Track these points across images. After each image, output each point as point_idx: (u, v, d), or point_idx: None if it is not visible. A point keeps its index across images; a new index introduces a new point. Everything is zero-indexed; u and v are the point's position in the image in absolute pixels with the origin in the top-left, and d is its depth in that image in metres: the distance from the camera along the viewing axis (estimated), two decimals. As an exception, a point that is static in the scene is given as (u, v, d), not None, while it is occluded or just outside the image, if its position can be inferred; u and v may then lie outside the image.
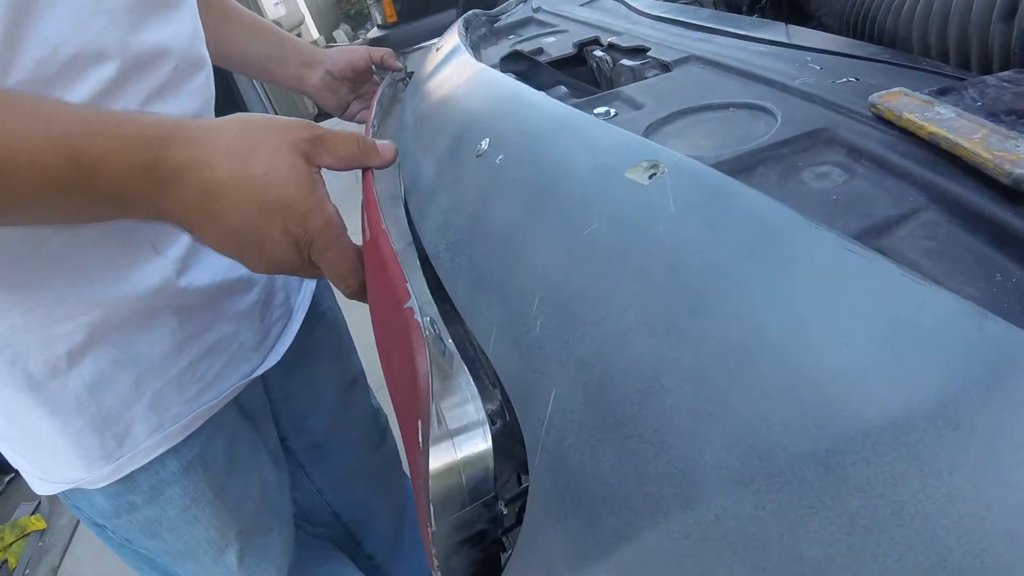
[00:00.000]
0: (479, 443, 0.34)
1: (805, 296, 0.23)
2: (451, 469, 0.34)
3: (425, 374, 0.31)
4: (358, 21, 7.92)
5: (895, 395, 0.19)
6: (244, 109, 6.63)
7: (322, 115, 6.36)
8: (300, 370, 0.85)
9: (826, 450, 0.19)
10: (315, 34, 6.51)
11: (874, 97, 0.40)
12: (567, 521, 0.27)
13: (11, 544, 2.46)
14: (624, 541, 0.24)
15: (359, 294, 0.52)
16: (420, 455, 0.32)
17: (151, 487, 0.66)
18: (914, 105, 0.38)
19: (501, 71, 0.62)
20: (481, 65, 0.60)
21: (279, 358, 0.74)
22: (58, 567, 2.31)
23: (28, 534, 2.50)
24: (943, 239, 0.31)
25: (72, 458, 0.62)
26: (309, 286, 0.83)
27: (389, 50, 0.98)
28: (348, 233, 0.51)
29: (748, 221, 0.26)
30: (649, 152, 0.31)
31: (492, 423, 0.36)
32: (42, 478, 0.66)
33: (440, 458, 0.33)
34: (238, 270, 0.67)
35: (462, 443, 0.34)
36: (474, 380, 0.36)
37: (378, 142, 0.53)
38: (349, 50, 0.97)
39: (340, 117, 0.99)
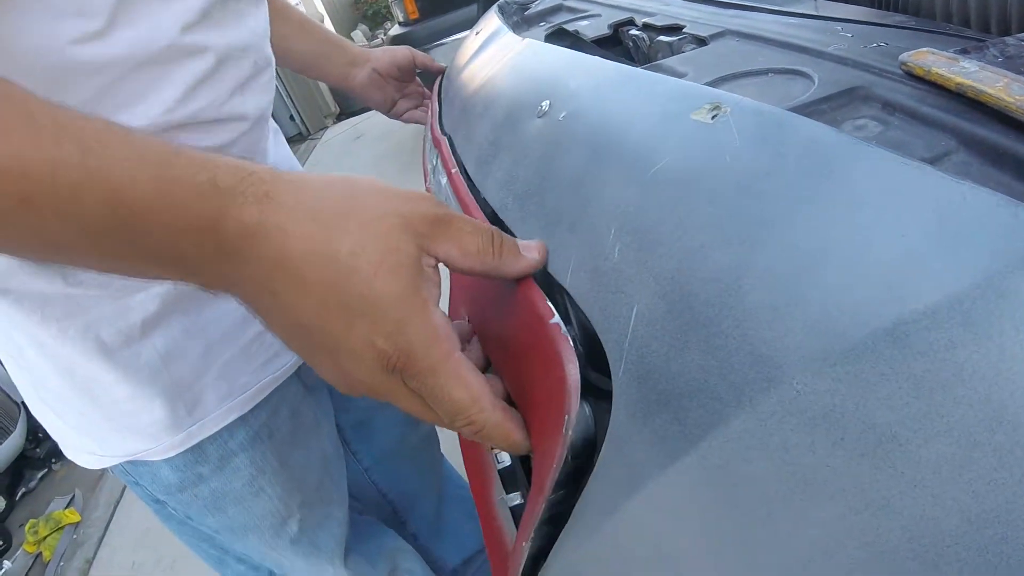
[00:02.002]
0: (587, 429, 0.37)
1: (862, 201, 0.26)
2: (562, 458, 0.36)
3: (576, 378, 0.34)
4: (375, 21, 7.97)
5: (947, 273, 0.23)
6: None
7: (344, 114, 6.41)
8: None
9: (892, 322, 0.23)
10: (331, 35, 6.56)
11: (904, 56, 0.43)
12: (653, 422, 0.30)
13: (45, 537, 2.50)
14: (711, 430, 0.27)
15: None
16: (561, 442, 0.35)
17: (220, 457, 0.68)
18: (941, 62, 0.41)
19: (546, 47, 0.65)
20: (528, 39, 0.64)
21: None
22: (92, 559, 2.36)
23: (63, 527, 2.54)
24: (974, 176, 0.34)
25: (142, 426, 0.63)
26: None
27: (429, 56, 1.02)
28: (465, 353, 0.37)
29: (807, 144, 0.29)
30: (711, 96, 0.35)
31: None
32: (100, 453, 0.67)
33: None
34: None
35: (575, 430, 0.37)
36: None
37: (521, 242, 0.39)
38: (392, 49, 1.01)
39: (386, 115, 1.04)
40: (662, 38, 0.70)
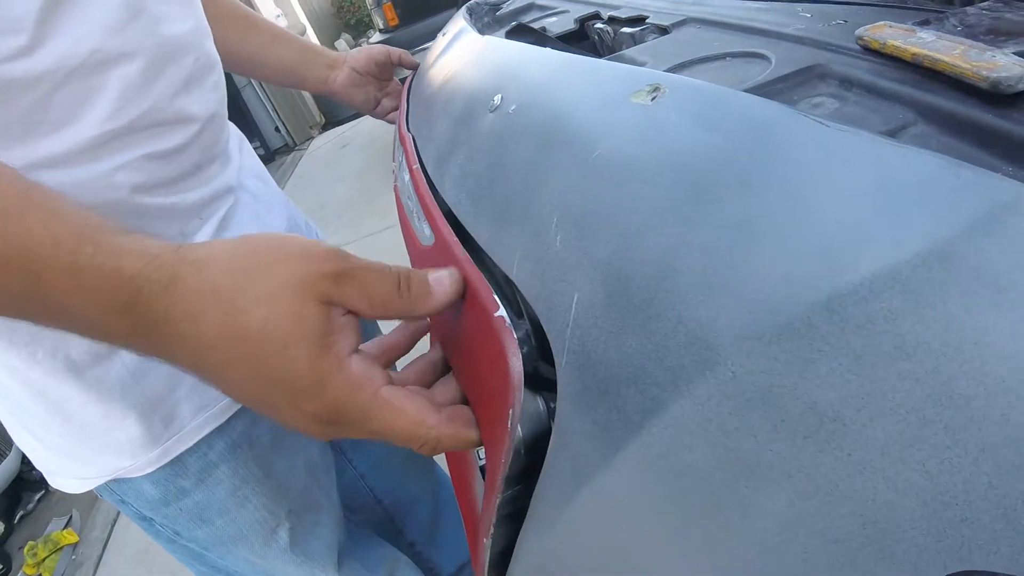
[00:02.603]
0: (538, 423, 0.36)
1: (798, 170, 0.25)
2: (516, 452, 0.36)
3: (519, 372, 0.33)
4: (358, 30, 7.99)
5: (886, 241, 0.22)
6: (248, 117, 6.61)
7: (330, 124, 6.43)
8: None
9: (828, 296, 0.22)
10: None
11: (861, 31, 0.42)
12: (595, 412, 0.29)
13: (44, 559, 2.49)
14: (650, 416, 0.26)
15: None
16: (507, 436, 0.34)
17: (200, 469, 0.66)
18: (897, 34, 0.40)
19: (507, 42, 0.64)
20: (488, 37, 0.63)
21: None
22: (91, 580, 2.35)
23: (61, 548, 2.53)
24: (933, 147, 0.33)
25: (119, 444, 0.62)
26: None
27: (405, 51, 1.02)
28: (395, 378, 0.38)
29: (742, 118, 0.28)
30: (651, 78, 0.34)
31: (522, 349, 0.39)
32: (83, 475, 0.65)
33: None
34: None
35: (525, 424, 0.36)
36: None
37: (431, 277, 0.39)
38: (369, 48, 1.00)
39: (371, 114, 1.03)
40: (625, 29, 0.69)
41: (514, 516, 0.40)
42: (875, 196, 0.22)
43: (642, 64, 0.53)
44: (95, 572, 2.39)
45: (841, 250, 0.22)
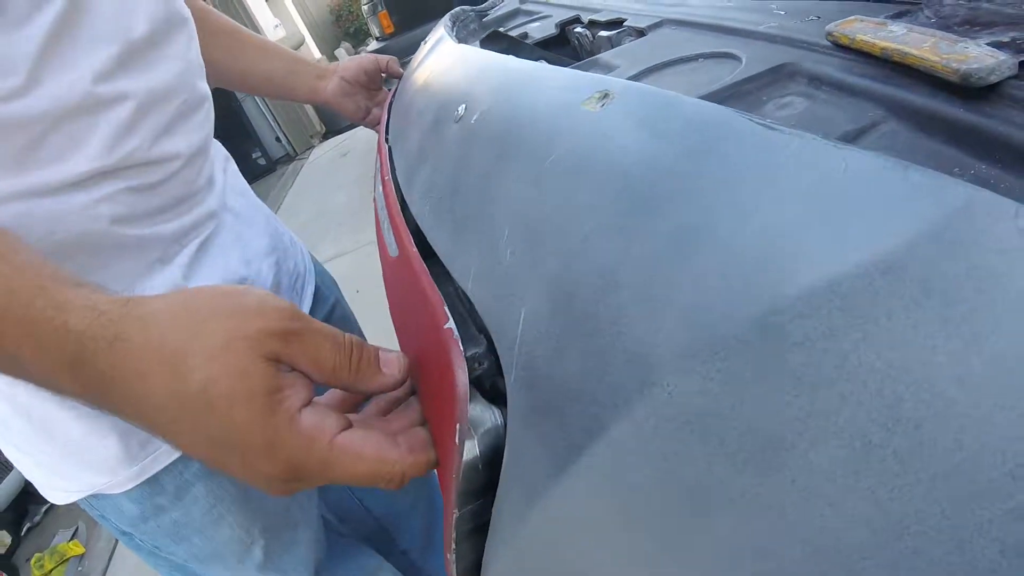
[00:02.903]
0: (496, 438, 0.36)
1: (739, 177, 0.23)
2: (474, 467, 0.35)
3: (464, 385, 0.32)
4: (358, 38, 8.01)
5: (825, 252, 0.20)
6: (249, 127, 6.65)
7: (331, 132, 6.44)
8: None
9: (763, 311, 0.20)
10: (317, 54, 6.61)
11: (831, 26, 0.41)
12: (542, 430, 0.27)
13: (51, 571, 2.51)
14: (592, 437, 0.25)
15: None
16: (455, 451, 0.33)
17: (176, 487, 0.67)
18: (868, 28, 0.38)
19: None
20: (461, 46, 0.62)
21: None
22: (97, 591, 2.36)
23: (67, 560, 2.55)
24: (902, 146, 0.32)
25: (99, 461, 0.63)
26: (308, 287, 0.83)
27: (393, 58, 1.01)
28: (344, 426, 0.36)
29: (686, 124, 0.27)
30: (601, 84, 0.32)
31: (479, 364, 0.38)
32: (66, 489, 0.66)
33: (465, 455, 0.34)
34: (241, 272, 0.69)
35: (484, 444, 0.35)
36: (460, 329, 0.37)
37: (383, 355, 0.38)
38: (358, 57, 1.00)
39: (363, 124, 1.03)
40: (603, 33, 0.68)
41: (481, 529, 0.38)
42: (816, 203, 0.21)
43: (615, 67, 0.52)
44: (102, 584, 2.39)
45: (777, 262, 0.21)
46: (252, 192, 0.83)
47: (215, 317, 0.34)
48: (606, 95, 0.31)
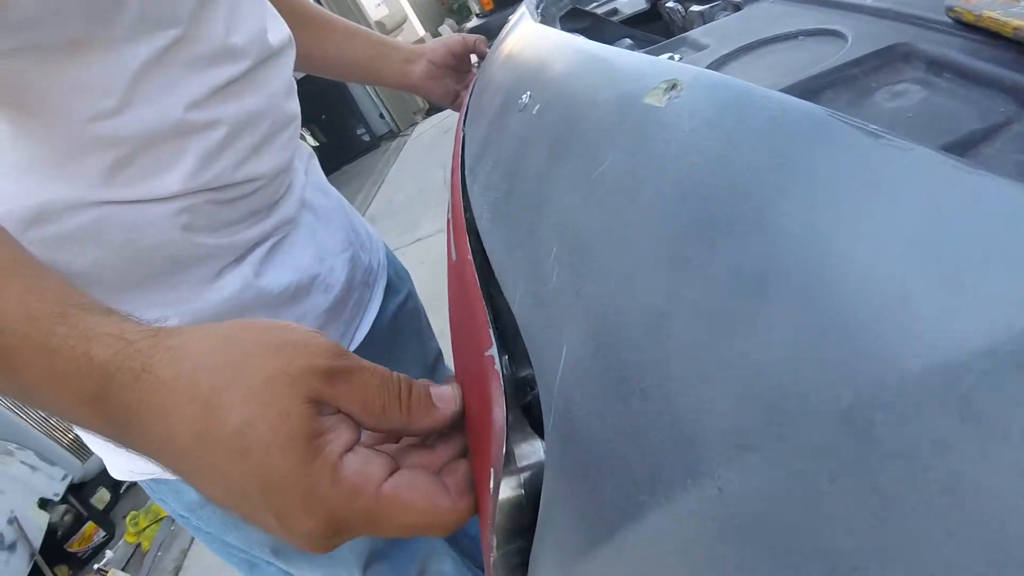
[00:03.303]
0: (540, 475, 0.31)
1: (827, 205, 0.18)
2: (517, 505, 0.31)
3: (501, 428, 0.28)
4: (462, 15, 8.02)
5: (943, 324, 0.14)
6: (353, 104, 6.80)
7: (434, 109, 6.51)
8: (385, 355, 0.85)
9: (849, 403, 0.15)
10: (421, 31, 6.64)
11: (952, 1, 0.34)
12: (576, 494, 0.23)
13: (145, 528, 2.70)
14: (627, 521, 0.20)
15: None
16: (490, 498, 0.29)
17: None
18: (998, 3, 0.31)
19: (561, 30, 0.58)
20: (536, 24, 0.57)
21: (357, 345, 0.74)
22: (188, 549, 2.50)
23: (161, 519, 2.70)
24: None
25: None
26: (381, 281, 0.82)
27: (482, 37, 0.97)
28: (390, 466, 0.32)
29: (770, 128, 0.21)
30: (670, 72, 0.27)
31: (532, 388, 0.34)
32: (129, 469, 0.67)
33: (507, 492, 0.31)
34: (315, 269, 0.68)
35: (528, 480, 0.31)
36: (514, 345, 0.34)
37: (435, 390, 0.35)
38: (445, 38, 0.96)
39: (452, 108, 1.00)
40: (695, 8, 0.61)
41: (522, 566, 0.35)
42: (937, 247, 0.16)
43: (705, 47, 0.46)
44: (191, 543, 2.53)
45: (876, 329, 0.15)
46: (332, 188, 0.82)
47: (254, 353, 0.31)
48: (674, 86, 0.26)
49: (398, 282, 0.87)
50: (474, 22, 4.02)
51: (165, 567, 2.48)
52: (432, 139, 5.72)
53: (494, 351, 0.30)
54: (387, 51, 0.94)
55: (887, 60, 0.35)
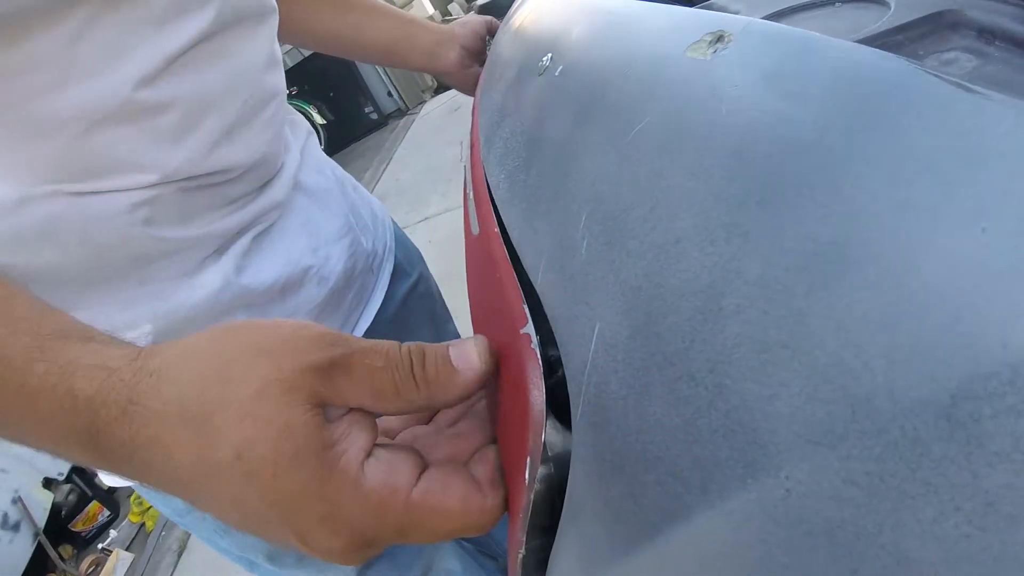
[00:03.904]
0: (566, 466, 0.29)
1: (914, 167, 0.15)
2: (549, 498, 0.28)
3: (540, 413, 0.25)
4: (472, -7, 7.91)
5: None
6: (361, 82, 6.73)
7: (442, 87, 6.45)
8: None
9: (952, 396, 0.13)
10: (430, 9, 6.56)
11: (1002, -34, 0.31)
12: (608, 490, 0.21)
13: (149, 508, 2.71)
14: (670, 521, 0.18)
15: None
16: (524, 490, 0.27)
17: None
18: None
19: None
20: (557, -14, 0.54)
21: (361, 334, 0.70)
22: (190, 530, 2.55)
23: (164, 498, 2.74)
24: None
25: None
26: (387, 264, 0.77)
27: (497, 20, 0.93)
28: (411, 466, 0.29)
29: (837, 79, 0.18)
30: (714, 23, 0.24)
31: (556, 371, 0.31)
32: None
33: (539, 484, 0.28)
34: (307, 261, 0.62)
35: (551, 473, 0.28)
36: (539, 325, 0.31)
37: (453, 353, 0.30)
38: (468, 21, 0.90)
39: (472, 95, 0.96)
40: (725, -27, 0.58)
41: (544, 564, 0.33)
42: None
43: (734, 14, 0.44)
44: (195, 521, 2.56)
45: (981, 313, 0.13)
46: (333, 166, 0.76)
47: (241, 361, 0.27)
48: (720, 38, 0.23)
49: (407, 265, 0.82)
50: (484, 0, 3.97)
51: (169, 547, 2.49)
52: (440, 117, 5.67)
53: (530, 329, 0.27)
54: (415, 31, 0.86)
55: (935, 27, 0.32)
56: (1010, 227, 0.13)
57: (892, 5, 0.35)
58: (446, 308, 0.93)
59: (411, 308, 0.80)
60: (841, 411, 0.14)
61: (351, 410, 0.28)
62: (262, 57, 0.58)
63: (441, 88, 6.52)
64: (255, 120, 0.56)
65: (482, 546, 0.98)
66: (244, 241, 0.57)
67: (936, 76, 0.17)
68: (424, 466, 0.29)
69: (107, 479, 0.67)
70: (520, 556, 0.30)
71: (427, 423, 0.35)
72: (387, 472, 0.28)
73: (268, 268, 0.59)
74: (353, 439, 0.28)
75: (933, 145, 0.16)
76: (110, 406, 0.28)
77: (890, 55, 0.19)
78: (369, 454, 0.28)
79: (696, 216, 0.20)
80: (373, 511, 0.27)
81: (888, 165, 0.16)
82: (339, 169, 0.78)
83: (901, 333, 0.14)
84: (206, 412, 0.26)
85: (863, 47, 0.20)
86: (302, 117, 0.74)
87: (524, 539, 0.29)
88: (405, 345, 0.29)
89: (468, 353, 0.30)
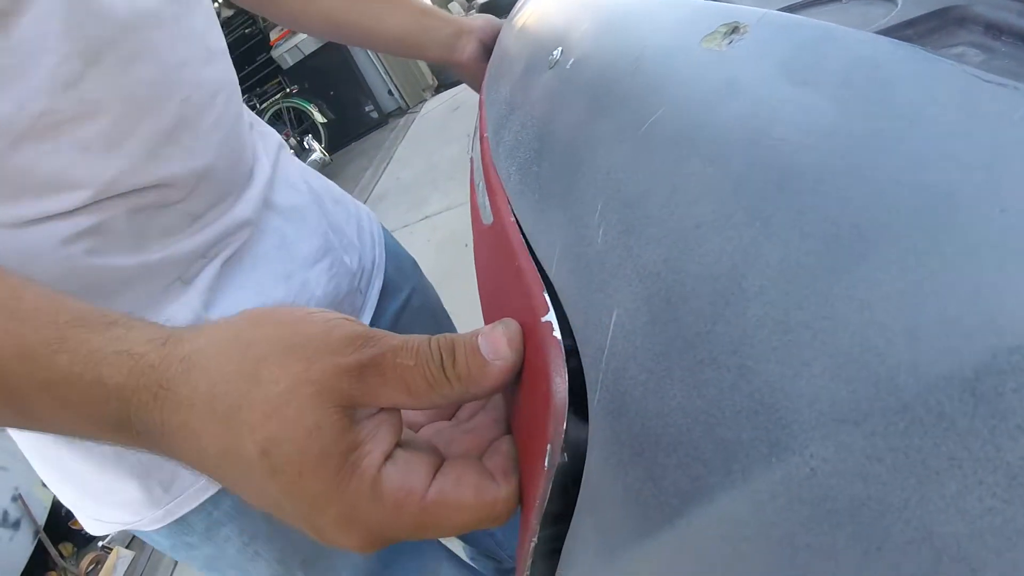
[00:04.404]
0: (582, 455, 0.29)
1: (931, 151, 0.16)
2: (564, 487, 0.29)
3: (563, 398, 0.26)
4: (471, -6, 7.91)
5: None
6: (361, 80, 6.68)
7: (443, 86, 6.45)
8: None
9: (975, 371, 0.13)
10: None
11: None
12: (627, 475, 0.21)
13: None
14: (691, 503, 0.18)
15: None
16: (543, 476, 0.27)
17: (206, 527, 0.60)
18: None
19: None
20: (565, -19, 0.55)
21: None
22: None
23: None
24: None
25: (121, 503, 0.57)
26: (376, 282, 0.73)
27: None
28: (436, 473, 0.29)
29: (855, 68, 0.19)
30: (729, 14, 0.25)
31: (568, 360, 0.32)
32: (98, 518, 0.62)
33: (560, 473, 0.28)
34: (278, 293, 0.59)
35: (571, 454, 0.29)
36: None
37: (482, 342, 0.29)
38: (488, 17, 0.87)
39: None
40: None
41: (556, 553, 0.33)
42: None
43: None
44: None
45: (1002, 289, 0.13)
46: (309, 177, 0.72)
47: (271, 357, 0.27)
48: (735, 29, 0.24)
49: (399, 278, 0.79)
50: (484, 0, 3.97)
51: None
52: (441, 116, 5.67)
53: (551, 316, 0.27)
54: (432, 21, 0.83)
55: (942, 22, 0.32)
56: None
57: (899, 1, 0.35)
58: (446, 314, 0.90)
59: (404, 326, 0.78)
60: (865, 389, 0.14)
61: (381, 410, 0.29)
62: (197, 49, 0.53)
63: (442, 87, 6.52)
64: (199, 120, 0.52)
65: (484, 548, 0.97)
66: (211, 270, 0.55)
67: (952, 63, 0.18)
68: (440, 462, 0.30)
69: (89, 527, 0.64)
70: (532, 544, 0.30)
71: (450, 418, 0.35)
72: (404, 474, 0.28)
73: (240, 300, 0.56)
74: (378, 440, 0.28)
75: (951, 129, 0.16)
76: (140, 392, 0.28)
77: (905, 43, 0.19)
78: (389, 456, 0.28)
79: (716, 202, 0.20)
80: (389, 513, 0.27)
81: (907, 149, 0.16)
82: (318, 179, 0.75)
83: (923, 310, 0.14)
84: (234, 407, 0.27)
85: (879, 36, 0.20)
86: (271, 129, 0.70)
87: (538, 526, 0.29)
88: (435, 339, 0.29)
89: (498, 343, 0.29)
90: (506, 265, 0.35)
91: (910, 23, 0.32)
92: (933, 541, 0.13)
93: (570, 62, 0.36)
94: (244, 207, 0.58)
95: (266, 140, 0.66)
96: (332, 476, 0.26)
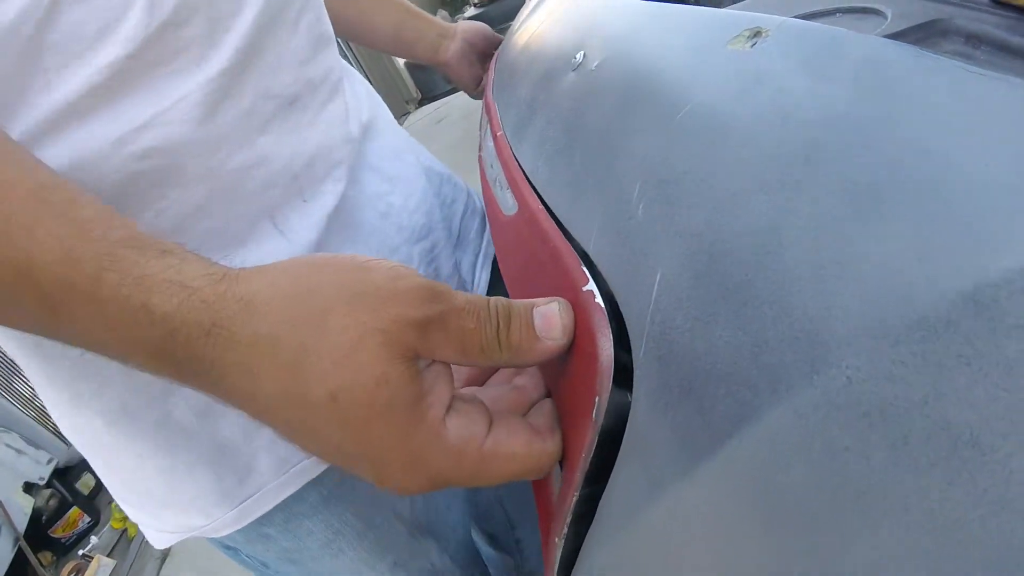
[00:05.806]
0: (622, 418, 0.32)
1: (933, 125, 0.20)
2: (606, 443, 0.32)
3: (610, 355, 0.29)
4: (455, 6, 7.96)
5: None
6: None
7: (426, 99, 6.47)
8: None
9: (976, 285, 0.17)
10: (413, 21, 6.59)
11: (988, -20, 0.35)
12: (675, 414, 0.25)
13: None
14: (740, 426, 0.22)
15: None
16: (591, 427, 0.30)
17: (285, 519, 0.56)
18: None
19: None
20: (578, -9, 0.58)
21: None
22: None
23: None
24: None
25: (186, 501, 0.52)
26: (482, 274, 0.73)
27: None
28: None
29: (864, 63, 0.23)
30: (751, 21, 0.29)
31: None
32: (159, 529, 0.57)
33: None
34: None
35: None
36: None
37: (538, 313, 0.31)
38: (478, 24, 0.93)
39: (471, 94, 0.96)
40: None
41: (588, 516, 0.36)
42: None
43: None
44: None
45: (992, 220, 0.17)
46: (420, 154, 0.72)
47: (338, 306, 0.27)
48: (758, 33, 0.28)
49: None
50: (471, 12, 4.02)
51: (152, 553, 2.46)
52: (424, 129, 5.71)
53: (592, 286, 0.31)
54: (419, 23, 0.88)
55: (926, 35, 0.36)
56: (1013, 164, 0.18)
57: (888, 15, 0.40)
58: None
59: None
60: (888, 307, 0.18)
61: (434, 361, 0.30)
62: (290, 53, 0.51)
63: (425, 99, 6.54)
64: (222, 35, 0.45)
65: (499, 542, 0.99)
66: (314, 225, 0.51)
67: (947, 58, 0.22)
68: (491, 417, 0.32)
69: (156, 542, 0.59)
70: (575, 498, 0.33)
71: (482, 383, 0.38)
72: (466, 425, 0.30)
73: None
74: (438, 393, 0.30)
75: (946, 108, 0.20)
76: (190, 326, 0.28)
77: (907, 45, 0.23)
78: (449, 407, 0.30)
79: (750, 175, 0.24)
80: (453, 460, 0.29)
81: (910, 122, 0.20)
82: (425, 155, 0.73)
83: (930, 242, 0.18)
84: (300, 352, 0.27)
85: (884, 39, 0.24)
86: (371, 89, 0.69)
87: (582, 480, 0.32)
88: (493, 303, 0.30)
89: (552, 323, 0.31)
90: (539, 247, 0.39)
91: (898, 35, 0.36)
92: (950, 430, 0.17)
93: (596, 63, 0.40)
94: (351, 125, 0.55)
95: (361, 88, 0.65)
96: (400, 424, 0.28)
